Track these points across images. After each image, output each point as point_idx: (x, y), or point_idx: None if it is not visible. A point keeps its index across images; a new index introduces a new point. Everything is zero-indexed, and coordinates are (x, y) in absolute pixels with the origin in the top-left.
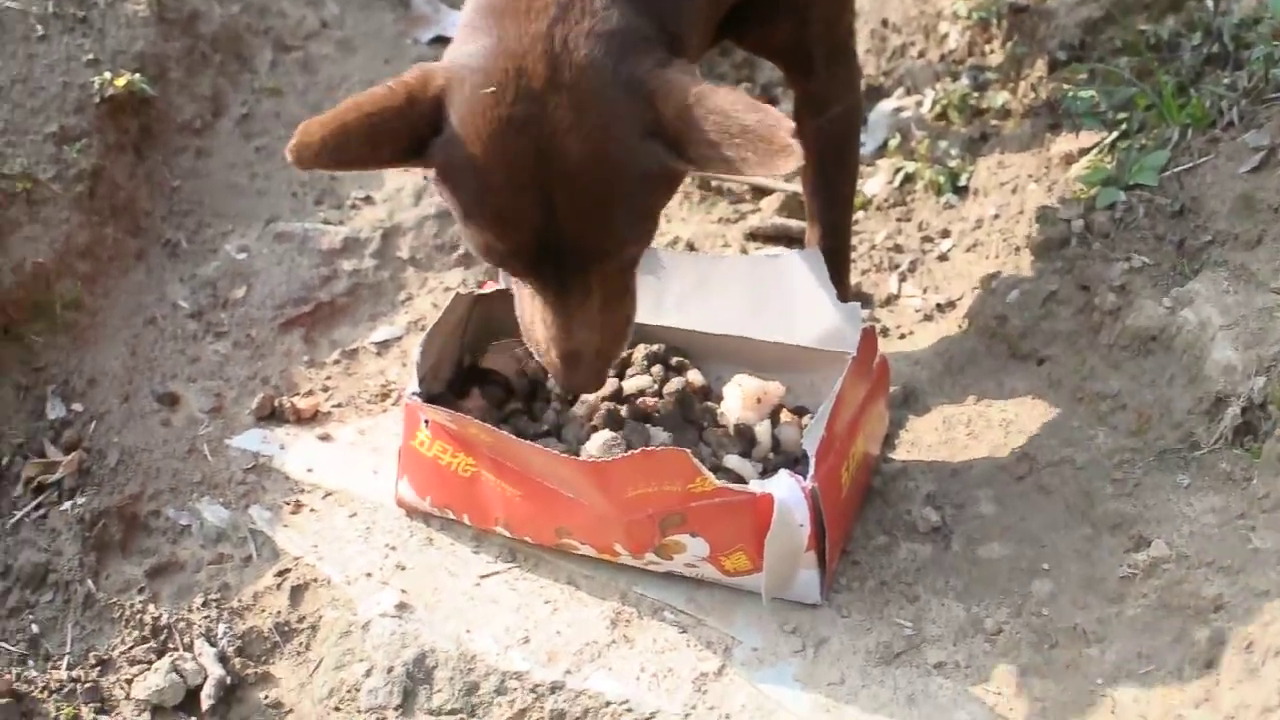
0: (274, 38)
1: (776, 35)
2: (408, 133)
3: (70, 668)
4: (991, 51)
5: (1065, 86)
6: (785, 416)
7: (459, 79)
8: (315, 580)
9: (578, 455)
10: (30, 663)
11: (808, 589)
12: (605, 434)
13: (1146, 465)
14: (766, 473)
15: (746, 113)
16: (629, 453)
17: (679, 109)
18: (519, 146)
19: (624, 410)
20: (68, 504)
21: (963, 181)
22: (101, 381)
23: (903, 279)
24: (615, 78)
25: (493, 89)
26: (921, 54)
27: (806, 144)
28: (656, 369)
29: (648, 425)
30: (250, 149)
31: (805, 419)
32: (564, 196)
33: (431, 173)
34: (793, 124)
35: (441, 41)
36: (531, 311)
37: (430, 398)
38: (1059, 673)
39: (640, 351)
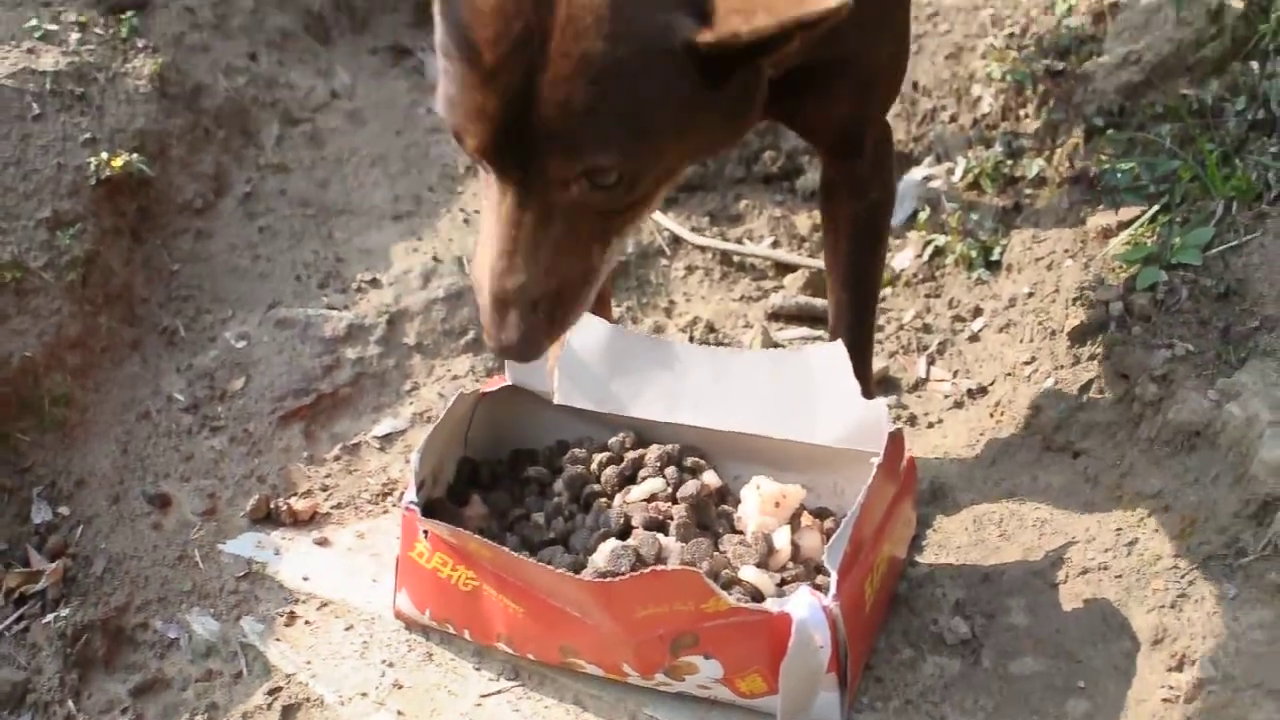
0: (281, 110)
1: (834, 113)
2: None
3: None
4: (1026, 116)
5: (1103, 157)
6: (806, 520)
7: None
8: (308, 700)
9: (585, 565)
10: None
11: (828, 711)
12: (613, 543)
13: (1190, 573)
14: (785, 583)
15: None
16: (637, 572)
17: None
18: None
19: (635, 517)
20: (50, 616)
21: (995, 256)
22: (90, 482)
23: (931, 361)
24: None
25: None
26: (954, 118)
27: (839, 230)
28: (670, 471)
29: (658, 535)
30: (253, 229)
31: (827, 522)
32: (555, 50)
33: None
34: None
35: None
36: (485, 230)
37: (430, 503)
38: None
39: (654, 453)
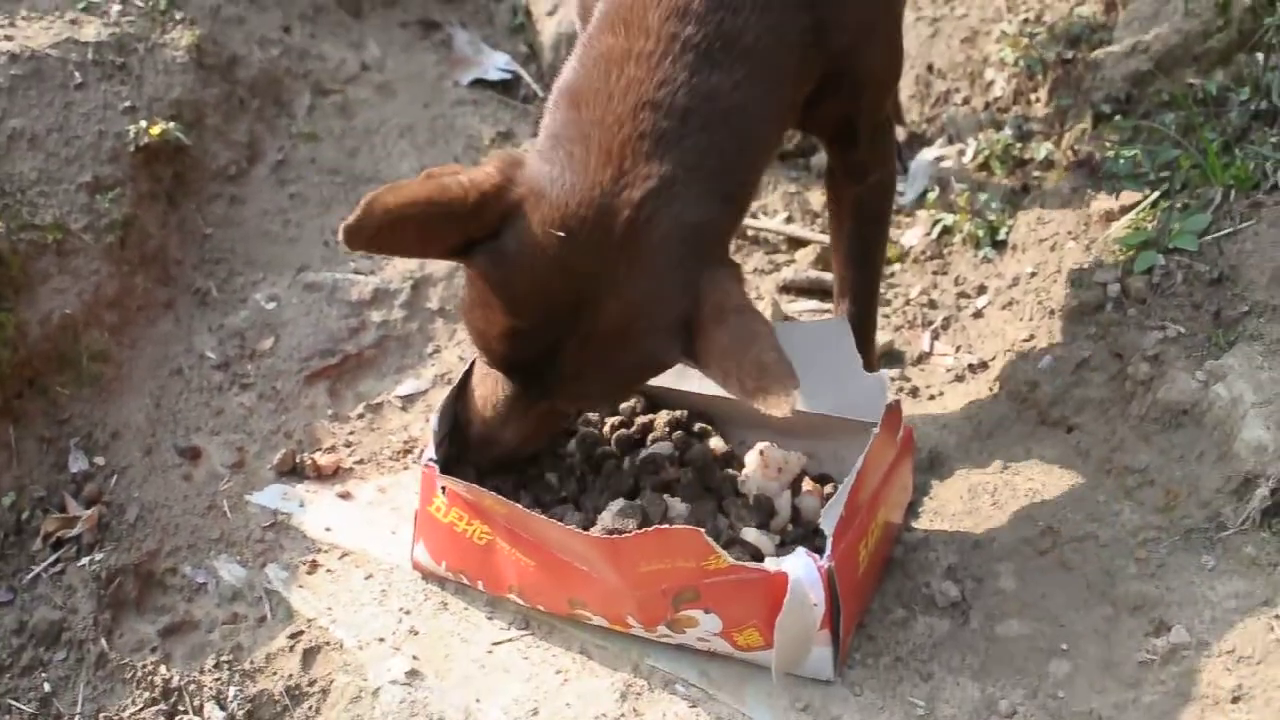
0: (313, 82)
1: (830, 114)
2: (462, 234)
3: None
4: (1037, 100)
5: (1108, 143)
6: (807, 485)
7: (535, 203)
8: (328, 643)
9: (594, 523)
10: None
11: (821, 666)
12: (621, 502)
13: (1171, 545)
14: (785, 545)
15: (768, 350)
16: (642, 530)
17: (716, 316)
18: (565, 292)
19: (644, 478)
20: (85, 560)
21: (1001, 235)
22: (124, 434)
23: (935, 336)
24: (675, 265)
25: (564, 234)
26: (966, 100)
27: (843, 210)
28: (678, 435)
29: (665, 496)
30: (284, 196)
31: (828, 487)
32: (577, 347)
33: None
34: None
35: (482, 84)
36: (484, 386)
37: (448, 461)
38: None
39: (663, 417)
